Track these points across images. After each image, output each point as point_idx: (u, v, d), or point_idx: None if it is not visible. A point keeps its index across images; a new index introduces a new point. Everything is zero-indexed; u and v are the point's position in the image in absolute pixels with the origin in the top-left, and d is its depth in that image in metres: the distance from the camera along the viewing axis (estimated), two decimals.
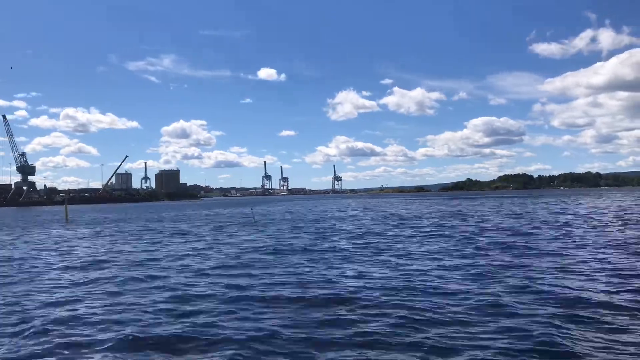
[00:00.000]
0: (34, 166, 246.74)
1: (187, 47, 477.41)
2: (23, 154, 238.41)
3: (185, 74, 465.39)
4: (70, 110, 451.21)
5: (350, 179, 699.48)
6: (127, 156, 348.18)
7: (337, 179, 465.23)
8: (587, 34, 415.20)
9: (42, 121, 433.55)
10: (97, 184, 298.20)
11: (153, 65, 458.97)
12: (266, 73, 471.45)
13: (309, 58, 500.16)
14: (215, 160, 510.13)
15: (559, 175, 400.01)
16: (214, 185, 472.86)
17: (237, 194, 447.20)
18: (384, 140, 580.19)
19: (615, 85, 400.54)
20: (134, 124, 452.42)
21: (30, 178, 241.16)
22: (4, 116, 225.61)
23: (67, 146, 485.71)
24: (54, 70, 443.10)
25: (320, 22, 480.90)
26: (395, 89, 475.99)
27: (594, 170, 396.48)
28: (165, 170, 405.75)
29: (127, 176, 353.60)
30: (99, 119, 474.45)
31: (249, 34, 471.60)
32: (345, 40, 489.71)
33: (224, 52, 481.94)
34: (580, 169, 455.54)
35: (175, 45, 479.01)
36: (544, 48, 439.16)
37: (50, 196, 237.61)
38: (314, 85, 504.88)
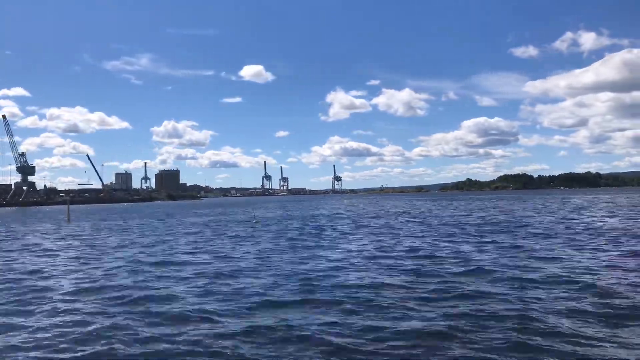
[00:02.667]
0: (34, 166, 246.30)
1: (160, 46, 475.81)
2: (23, 154, 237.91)
3: (166, 73, 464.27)
4: (57, 111, 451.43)
5: (348, 179, 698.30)
6: (87, 156, 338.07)
7: (337, 179, 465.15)
8: (568, 36, 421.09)
9: (32, 121, 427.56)
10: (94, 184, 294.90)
11: (131, 64, 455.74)
12: (250, 72, 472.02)
13: (288, 57, 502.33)
14: (210, 160, 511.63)
15: (559, 175, 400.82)
16: (212, 186, 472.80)
17: (237, 194, 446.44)
18: (377, 140, 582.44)
19: (600, 87, 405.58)
20: (125, 124, 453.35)
21: (30, 178, 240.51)
22: (4, 116, 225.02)
23: (61, 146, 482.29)
24: (33, 70, 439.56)
25: (299, 20, 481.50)
26: (386, 90, 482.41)
27: (592, 171, 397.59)
28: (165, 170, 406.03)
29: (127, 176, 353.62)
30: (89, 119, 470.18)
31: (221, 33, 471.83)
32: (327, 39, 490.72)
33: (199, 51, 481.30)
34: (578, 169, 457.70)
35: (147, 44, 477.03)
36: (525, 50, 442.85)
37: (50, 196, 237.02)
38: (299, 85, 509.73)
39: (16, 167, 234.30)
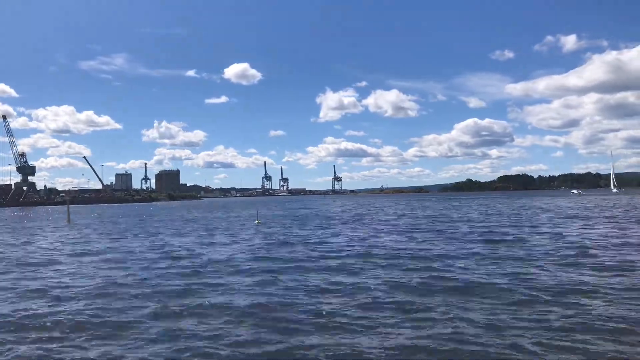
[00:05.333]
0: (34, 167, 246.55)
1: (135, 46, 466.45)
2: (23, 155, 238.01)
3: (144, 73, 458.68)
4: (44, 111, 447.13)
5: (347, 180, 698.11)
6: (85, 157, 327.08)
7: (337, 179, 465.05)
8: (549, 39, 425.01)
9: (21, 122, 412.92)
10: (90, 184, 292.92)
11: (107, 64, 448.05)
12: (236, 72, 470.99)
13: (270, 59, 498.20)
14: (205, 160, 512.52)
15: (559, 175, 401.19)
16: (211, 186, 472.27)
17: (237, 195, 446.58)
18: (370, 140, 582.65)
19: (586, 88, 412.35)
20: (115, 125, 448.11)
21: (30, 178, 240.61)
22: (4, 117, 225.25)
23: (55, 147, 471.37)
24: (10, 71, 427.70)
25: (278, 21, 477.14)
26: (375, 91, 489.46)
27: (592, 171, 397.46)
28: (165, 170, 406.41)
29: (127, 176, 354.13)
30: (80, 120, 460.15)
31: (195, 32, 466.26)
32: (308, 41, 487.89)
33: (173, 50, 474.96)
34: (575, 169, 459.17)
35: (120, 44, 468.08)
36: (507, 51, 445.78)
37: (50, 196, 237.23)
38: (286, 86, 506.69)
39: (16, 168, 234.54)
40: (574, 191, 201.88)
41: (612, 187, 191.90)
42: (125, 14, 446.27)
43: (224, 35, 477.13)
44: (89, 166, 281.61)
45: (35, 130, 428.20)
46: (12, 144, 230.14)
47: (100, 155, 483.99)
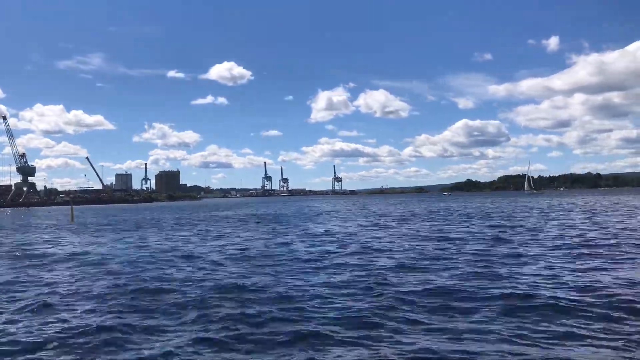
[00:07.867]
0: (34, 167, 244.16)
1: (111, 45, 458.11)
2: (23, 155, 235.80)
3: (123, 73, 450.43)
4: (31, 112, 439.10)
5: (345, 180, 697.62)
6: (87, 158, 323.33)
7: (338, 180, 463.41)
8: (532, 41, 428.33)
9: (12, 123, 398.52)
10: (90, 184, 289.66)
11: (85, 64, 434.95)
12: (223, 73, 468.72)
13: (257, 59, 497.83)
14: (201, 161, 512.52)
15: (559, 176, 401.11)
16: (211, 186, 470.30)
17: (237, 195, 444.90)
18: (364, 140, 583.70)
19: (573, 89, 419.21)
20: (107, 124, 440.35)
21: (29, 179, 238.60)
22: (4, 117, 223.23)
23: (49, 147, 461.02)
24: None
25: (262, 20, 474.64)
26: (366, 92, 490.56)
27: (592, 171, 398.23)
28: (165, 170, 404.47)
29: (127, 177, 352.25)
30: (70, 120, 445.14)
31: (175, 31, 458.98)
32: (293, 43, 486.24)
33: (151, 49, 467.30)
34: (574, 169, 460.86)
35: (96, 43, 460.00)
36: (494, 52, 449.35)
37: (50, 197, 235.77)
38: (275, 86, 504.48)
39: (16, 168, 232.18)
40: (445, 193, 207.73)
41: (526, 187, 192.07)
42: (95, 12, 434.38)
43: (209, 35, 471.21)
44: (87, 166, 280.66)
45: (26, 131, 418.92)
46: (12, 144, 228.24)
47: (94, 156, 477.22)
